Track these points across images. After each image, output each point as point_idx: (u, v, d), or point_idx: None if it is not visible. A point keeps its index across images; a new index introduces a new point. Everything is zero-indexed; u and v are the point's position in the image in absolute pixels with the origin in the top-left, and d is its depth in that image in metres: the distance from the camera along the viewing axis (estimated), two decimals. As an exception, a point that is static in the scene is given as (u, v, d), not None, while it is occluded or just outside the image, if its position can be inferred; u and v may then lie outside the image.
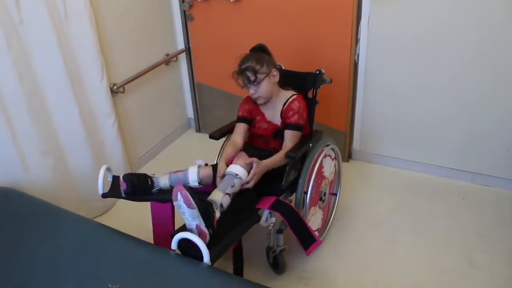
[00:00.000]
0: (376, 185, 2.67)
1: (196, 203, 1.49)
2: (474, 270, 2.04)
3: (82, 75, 2.25)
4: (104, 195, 1.84)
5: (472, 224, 2.31)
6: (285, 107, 1.93)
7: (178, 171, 1.88)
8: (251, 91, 1.90)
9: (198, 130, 3.36)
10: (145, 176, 1.85)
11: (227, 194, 1.67)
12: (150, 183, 1.85)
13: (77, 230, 1.71)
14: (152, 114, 2.96)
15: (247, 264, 1.89)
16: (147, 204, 2.01)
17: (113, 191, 1.87)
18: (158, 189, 1.86)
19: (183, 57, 3.11)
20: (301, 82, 2.07)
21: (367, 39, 2.49)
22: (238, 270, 1.84)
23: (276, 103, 1.97)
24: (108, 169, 1.88)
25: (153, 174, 1.91)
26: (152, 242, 1.79)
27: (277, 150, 1.90)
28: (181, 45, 3.07)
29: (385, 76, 2.56)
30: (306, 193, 1.90)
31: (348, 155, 2.88)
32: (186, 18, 2.93)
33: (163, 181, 1.86)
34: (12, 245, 1.63)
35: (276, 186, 1.87)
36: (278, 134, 1.95)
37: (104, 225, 1.77)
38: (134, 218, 2.46)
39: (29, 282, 1.48)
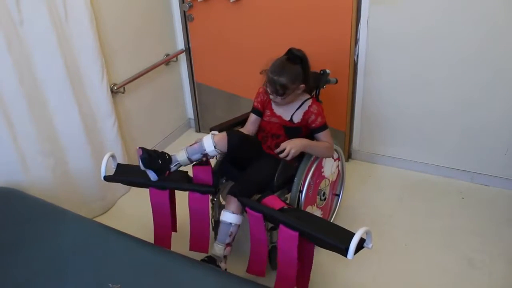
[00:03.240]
0: (375, 185, 2.67)
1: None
2: (474, 269, 2.05)
3: (83, 75, 2.26)
4: (106, 178, 1.92)
5: (471, 224, 2.32)
6: (304, 111, 1.93)
7: (194, 143, 1.89)
8: (274, 98, 1.89)
9: (198, 130, 3.37)
10: (163, 152, 1.87)
11: (227, 245, 1.85)
12: (167, 157, 1.86)
13: (78, 230, 1.72)
14: (152, 114, 2.97)
15: (245, 261, 1.90)
16: (147, 204, 2.02)
17: (115, 176, 1.94)
18: (177, 165, 1.87)
19: (183, 57, 3.12)
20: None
21: (367, 39, 2.50)
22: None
23: (292, 103, 1.95)
24: (113, 156, 1.93)
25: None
26: (152, 241, 1.79)
27: (272, 155, 1.96)
28: (181, 45, 3.07)
29: (385, 76, 2.57)
30: (301, 192, 1.91)
31: (347, 155, 2.89)
32: (186, 18, 2.93)
33: (180, 155, 1.86)
34: (13, 245, 1.64)
35: (270, 183, 1.89)
36: (289, 130, 1.95)
37: (105, 225, 1.78)
38: (134, 217, 2.46)
39: (30, 282, 1.49)
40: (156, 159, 1.80)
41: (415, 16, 2.34)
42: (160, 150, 1.87)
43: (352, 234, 1.47)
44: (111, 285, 1.43)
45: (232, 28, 2.82)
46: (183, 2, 2.87)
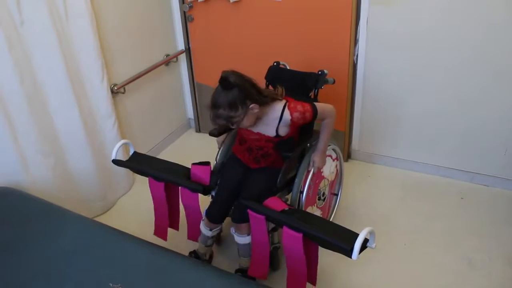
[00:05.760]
0: (375, 185, 2.68)
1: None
2: (473, 270, 2.05)
3: (83, 75, 2.26)
4: (114, 161, 1.99)
5: (471, 224, 2.32)
6: (290, 125, 1.81)
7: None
8: (232, 127, 1.81)
9: (198, 130, 3.37)
10: (189, 253, 2.08)
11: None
12: (193, 256, 2.07)
13: (78, 230, 1.72)
14: (152, 114, 2.97)
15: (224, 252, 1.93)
16: (147, 204, 2.03)
17: (124, 161, 2.02)
18: (204, 255, 2.07)
19: (183, 58, 3.12)
20: (302, 82, 2.06)
21: (366, 39, 2.50)
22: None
23: (268, 119, 1.81)
24: (129, 144, 2.03)
25: None
26: (152, 241, 1.79)
27: (264, 168, 1.93)
28: (181, 45, 3.07)
29: (384, 76, 2.57)
30: (302, 192, 1.91)
31: (347, 155, 2.89)
32: (186, 19, 2.94)
33: (199, 248, 2.07)
34: (13, 244, 1.64)
35: (271, 188, 1.88)
36: (280, 144, 1.87)
37: (105, 224, 1.78)
38: (135, 217, 2.47)
39: (31, 282, 1.49)
40: None
41: (414, 16, 2.34)
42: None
43: (355, 235, 1.47)
44: (111, 284, 1.44)
45: (232, 29, 2.82)
46: (183, 3, 2.88)
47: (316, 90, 2.08)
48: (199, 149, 3.18)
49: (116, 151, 1.98)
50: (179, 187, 1.95)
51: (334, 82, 2.14)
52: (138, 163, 2.04)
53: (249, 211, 1.74)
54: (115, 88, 2.52)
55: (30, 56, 2.00)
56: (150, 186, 1.99)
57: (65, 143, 2.26)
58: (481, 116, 2.44)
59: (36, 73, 2.05)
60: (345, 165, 2.83)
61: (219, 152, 2.09)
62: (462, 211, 2.42)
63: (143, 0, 2.69)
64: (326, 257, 2.12)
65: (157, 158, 2.11)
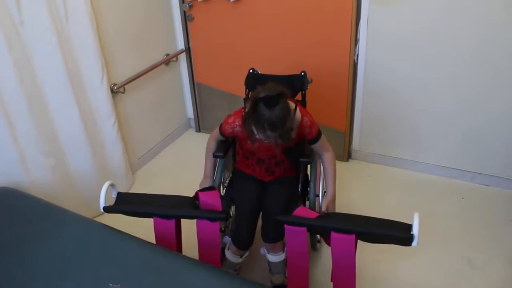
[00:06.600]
0: (375, 185, 2.67)
1: None
2: (473, 270, 2.05)
3: (83, 75, 2.26)
4: (106, 209, 1.74)
5: (472, 224, 2.32)
6: (297, 125, 1.72)
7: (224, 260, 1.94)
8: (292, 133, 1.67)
9: (198, 130, 3.37)
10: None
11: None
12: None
13: (78, 230, 1.72)
14: (152, 114, 2.97)
15: (250, 266, 1.89)
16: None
17: (116, 206, 1.78)
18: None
19: (183, 57, 3.12)
20: (288, 85, 1.96)
21: (367, 39, 2.50)
22: None
23: None
24: (112, 185, 1.78)
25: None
26: (152, 241, 1.79)
27: (279, 180, 1.87)
28: (181, 45, 3.07)
29: (385, 76, 2.57)
30: (318, 195, 1.90)
31: (347, 155, 2.89)
32: (186, 18, 2.93)
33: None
34: (13, 245, 1.64)
35: (292, 194, 1.86)
36: (289, 151, 1.83)
37: (105, 224, 1.78)
38: (134, 218, 2.46)
39: (30, 282, 1.49)
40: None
41: (415, 16, 2.34)
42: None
43: (400, 222, 1.58)
44: (111, 285, 1.44)
45: (232, 28, 2.82)
46: (183, 2, 2.87)
47: (303, 92, 2.06)
48: (199, 149, 3.15)
49: (104, 195, 1.72)
50: (179, 220, 1.79)
51: (311, 81, 2.10)
52: (133, 204, 1.83)
53: (286, 226, 1.66)
54: (115, 88, 2.51)
55: (30, 56, 2.00)
56: (156, 227, 1.77)
57: (65, 143, 2.25)
58: (481, 116, 2.44)
59: (36, 73, 2.05)
60: (346, 165, 2.85)
61: (215, 174, 1.98)
62: (462, 211, 2.42)
63: (143, 0, 2.69)
64: (327, 259, 2.12)
65: (147, 194, 1.89)
